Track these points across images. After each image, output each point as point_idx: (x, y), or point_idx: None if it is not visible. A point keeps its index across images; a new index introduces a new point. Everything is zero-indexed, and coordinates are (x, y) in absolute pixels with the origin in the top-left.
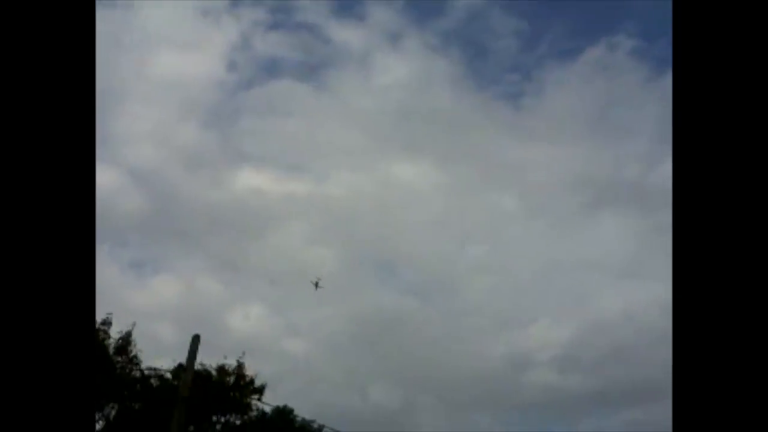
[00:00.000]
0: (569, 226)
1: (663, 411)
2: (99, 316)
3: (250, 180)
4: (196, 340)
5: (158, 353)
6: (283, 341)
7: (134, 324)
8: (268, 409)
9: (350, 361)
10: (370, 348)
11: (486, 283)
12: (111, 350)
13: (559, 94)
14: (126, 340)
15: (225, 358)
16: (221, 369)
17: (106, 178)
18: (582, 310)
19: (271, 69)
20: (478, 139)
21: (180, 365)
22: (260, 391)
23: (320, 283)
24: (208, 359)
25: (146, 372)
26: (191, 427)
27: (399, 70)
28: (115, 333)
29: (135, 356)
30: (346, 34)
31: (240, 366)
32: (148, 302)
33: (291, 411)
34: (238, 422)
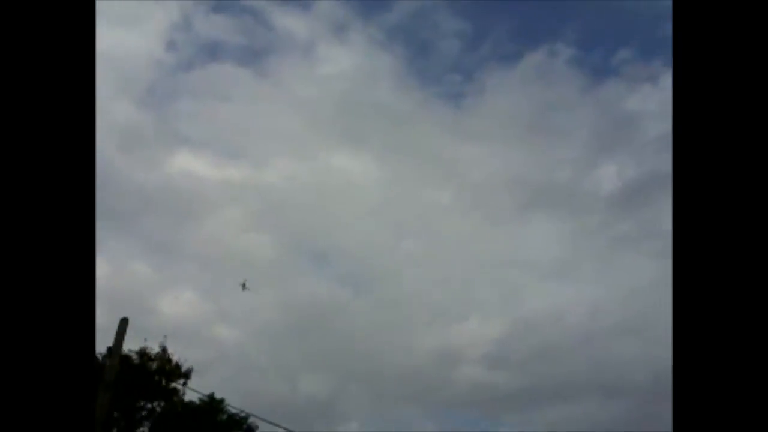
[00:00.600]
0: (502, 225)
1: (586, 409)
2: None
3: (186, 163)
4: (123, 323)
5: None
6: (213, 327)
7: None
8: (195, 396)
9: (281, 350)
10: (302, 337)
11: (419, 277)
12: None
13: (498, 96)
14: None
15: (145, 340)
16: (143, 353)
17: None
18: (512, 308)
19: (213, 51)
20: (417, 135)
21: (108, 349)
22: (186, 376)
23: (247, 285)
24: (135, 343)
25: None
26: (115, 413)
27: (342, 61)
28: None
29: None
30: (290, 22)
31: (164, 350)
32: None
33: (221, 401)
34: (165, 407)
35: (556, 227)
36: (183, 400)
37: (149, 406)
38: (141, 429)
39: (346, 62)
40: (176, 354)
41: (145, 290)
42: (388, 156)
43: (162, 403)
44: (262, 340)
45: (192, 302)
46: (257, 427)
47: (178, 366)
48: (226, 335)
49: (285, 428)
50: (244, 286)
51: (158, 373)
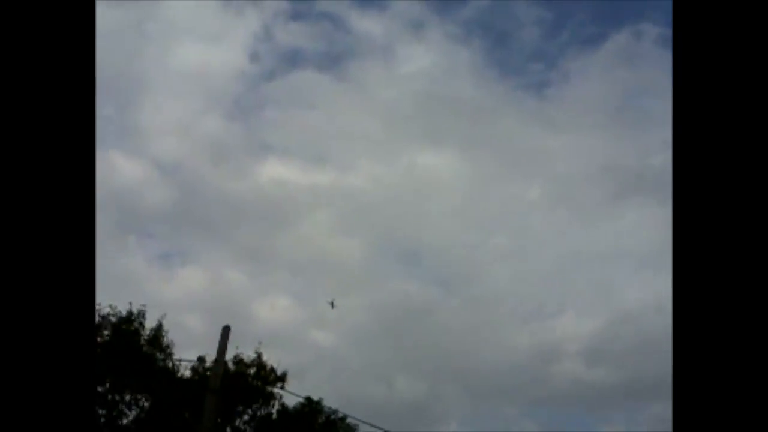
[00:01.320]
0: (593, 216)
1: None
2: (135, 308)
3: (274, 171)
4: (226, 331)
5: (187, 344)
6: (309, 332)
7: (164, 315)
8: (292, 399)
9: (375, 352)
10: (395, 338)
11: (510, 273)
12: (143, 341)
13: (583, 83)
14: (158, 331)
15: (236, 348)
16: (239, 360)
17: (132, 169)
18: (608, 301)
19: (294, 60)
20: (500, 129)
21: (199, 358)
22: (282, 379)
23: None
24: (234, 350)
25: (176, 362)
26: (218, 419)
27: (421, 59)
28: (148, 325)
29: (167, 346)
30: (367, 24)
31: (259, 356)
32: (176, 293)
33: (318, 402)
34: (263, 412)
35: (652, 214)
36: (282, 403)
37: (249, 410)
38: None
39: (424, 60)
40: (271, 359)
41: (242, 298)
42: (472, 151)
43: (261, 408)
44: (356, 343)
45: (287, 307)
46: (357, 426)
47: (272, 370)
48: (321, 339)
49: (384, 429)
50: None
51: (255, 378)
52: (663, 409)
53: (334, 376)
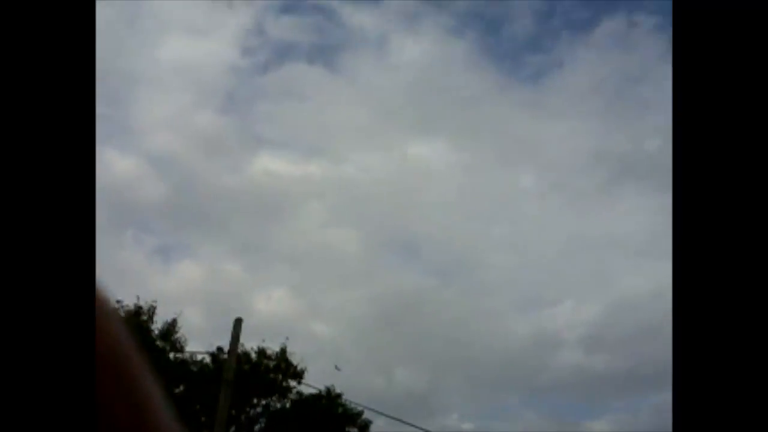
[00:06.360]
0: (589, 203)
1: None
2: (142, 302)
3: (267, 164)
4: (238, 323)
5: (188, 338)
6: (307, 324)
7: (180, 312)
8: (312, 391)
9: (375, 343)
10: (394, 329)
11: (507, 263)
12: (155, 336)
13: (576, 70)
14: (172, 326)
15: (263, 341)
16: (262, 352)
17: (126, 165)
18: (607, 288)
19: (285, 53)
20: (494, 118)
21: (219, 348)
22: (300, 375)
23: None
24: (257, 342)
25: (190, 355)
26: (233, 411)
27: (415, 51)
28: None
29: (178, 340)
30: (360, 18)
31: (283, 351)
32: (174, 287)
33: (339, 395)
34: (278, 405)
35: (647, 200)
36: (301, 395)
37: (263, 402)
38: (258, 425)
39: (418, 52)
40: (294, 356)
41: (239, 290)
42: (466, 141)
43: (275, 400)
44: (355, 335)
45: (284, 300)
46: (371, 422)
47: (292, 365)
48: (319, 331)
49: (409, 423)
50: (336, 367)
51: (274, 371)
52: (663, 398)
53: (335, 368)
